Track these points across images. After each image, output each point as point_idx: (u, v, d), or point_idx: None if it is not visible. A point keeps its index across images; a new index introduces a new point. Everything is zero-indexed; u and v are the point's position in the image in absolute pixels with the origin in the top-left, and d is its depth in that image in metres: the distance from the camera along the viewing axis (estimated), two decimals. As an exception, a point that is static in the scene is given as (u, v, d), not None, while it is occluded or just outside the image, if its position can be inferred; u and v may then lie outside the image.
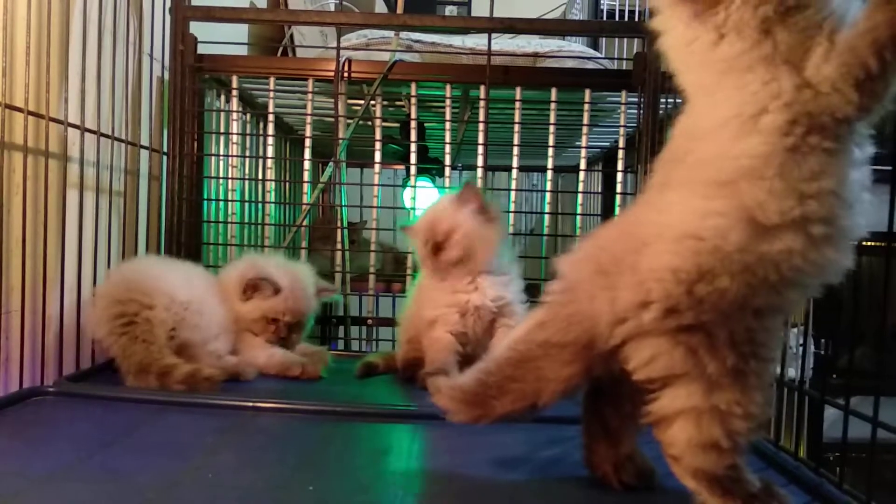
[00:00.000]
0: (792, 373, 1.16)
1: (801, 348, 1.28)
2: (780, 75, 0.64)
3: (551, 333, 0.72)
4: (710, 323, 0.64)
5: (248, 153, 1.87)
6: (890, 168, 0.77)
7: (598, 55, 2.00)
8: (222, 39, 1.71)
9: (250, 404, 1.08)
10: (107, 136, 1.35)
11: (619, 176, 1.75)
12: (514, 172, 1.73)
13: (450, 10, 3.02)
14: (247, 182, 1.86)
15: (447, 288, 1.29)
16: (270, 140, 1.74)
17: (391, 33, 1.76)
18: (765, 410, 0.67)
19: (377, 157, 1.74)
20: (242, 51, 2.11)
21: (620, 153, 1.73)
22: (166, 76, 1.62)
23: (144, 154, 1.54)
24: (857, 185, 0.66)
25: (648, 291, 0.65)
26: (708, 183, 0.65)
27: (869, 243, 0.84)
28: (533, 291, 1.41)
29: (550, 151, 1.73)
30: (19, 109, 1.11)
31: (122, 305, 1.17)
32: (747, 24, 0.66)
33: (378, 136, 1.75)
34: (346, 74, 1.67)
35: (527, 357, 0.74)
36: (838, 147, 0.64)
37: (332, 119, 1.72)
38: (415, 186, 1.79)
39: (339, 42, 1.67)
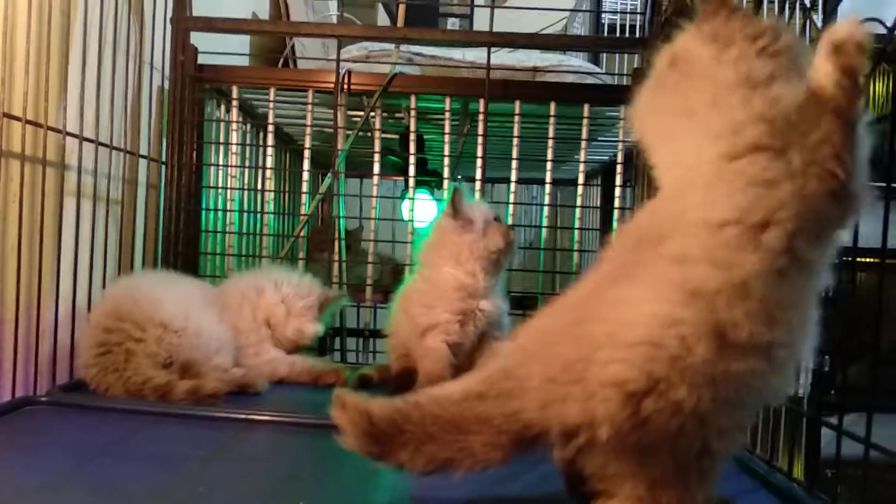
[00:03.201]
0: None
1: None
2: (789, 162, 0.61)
3: (493, 414, 0.67)
4: (658, 441, 0.62)
5: (247, 163, 1.88)
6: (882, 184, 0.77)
7: (598, 70, 2.01)
8: (223, 50, 1.72)
9: (244, 416, 1.08)
10: (105, 145, 1.35)
11: (618, 190, 1.75)
12: (513, 185, 1.73)
13: (451, 24, 3.04)
14: (246, 192, 1.86)
15: (453, 295, 1.26)
16: (270, 150, 1.75)
17: (392, 46, 1.77)
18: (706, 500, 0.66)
19: (376, 168, 1.74)
20: (243, 61, 2.12)
21: (619, 168, 1.74)
22: (166, 86, 1.63)
23: (143, 163, 1.54)
24: (813, 309, 0.65)
25: (593, 410, 0.62)
26: (680, 288, 0.61)
27: (865, 259, 0.84)
28: (530, 304, 1.40)
29: (549, 165, 1.73)
30: (17, 118, 1.12)
31: (106, 334, 1.16)
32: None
33: (377, 147, 1.75)
34: (346, 86, 1.68)
35: (457, 426, 0.67)
36: (811, 275, 0.64)
37: (332, 130, 1.72)
38: (413, 198, 1.79)
39: (339, 54, 1.68)
